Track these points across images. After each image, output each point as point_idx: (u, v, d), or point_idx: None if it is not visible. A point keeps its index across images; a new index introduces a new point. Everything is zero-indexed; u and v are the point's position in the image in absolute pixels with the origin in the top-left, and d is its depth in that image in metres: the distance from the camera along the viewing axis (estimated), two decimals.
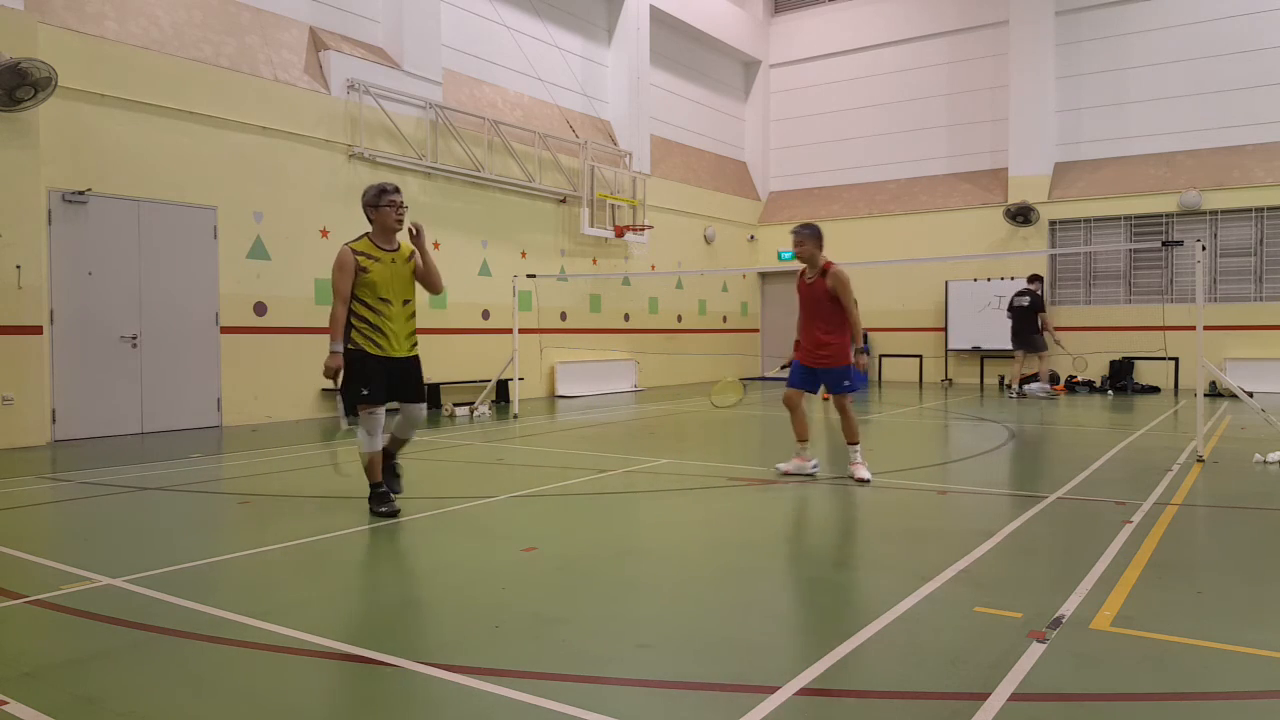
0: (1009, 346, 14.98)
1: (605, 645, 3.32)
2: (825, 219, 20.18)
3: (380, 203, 5.45)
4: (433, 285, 5.63)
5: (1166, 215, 16.49)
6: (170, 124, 10.12)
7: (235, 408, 10.76)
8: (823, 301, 6.77)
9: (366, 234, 5.54)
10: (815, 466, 7.01)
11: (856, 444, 6.84)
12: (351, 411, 5.52)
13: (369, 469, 5.53)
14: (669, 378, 18.00)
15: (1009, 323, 14.80)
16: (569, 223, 15.72)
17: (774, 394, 15.90)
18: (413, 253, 5.59)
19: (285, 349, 11.25)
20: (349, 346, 5.36)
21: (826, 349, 6.80)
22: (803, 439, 7.00)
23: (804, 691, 2.82)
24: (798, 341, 7.05)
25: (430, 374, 13.30)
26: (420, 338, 5.72)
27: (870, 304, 19.35)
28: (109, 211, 9.65)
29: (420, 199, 13.06)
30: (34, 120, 8.89)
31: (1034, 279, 14.76)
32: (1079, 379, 16.50)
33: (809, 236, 6.83)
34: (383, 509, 5.48)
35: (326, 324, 11.42)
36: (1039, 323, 14.45)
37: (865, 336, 18.78)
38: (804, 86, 21.15)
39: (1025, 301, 14.52)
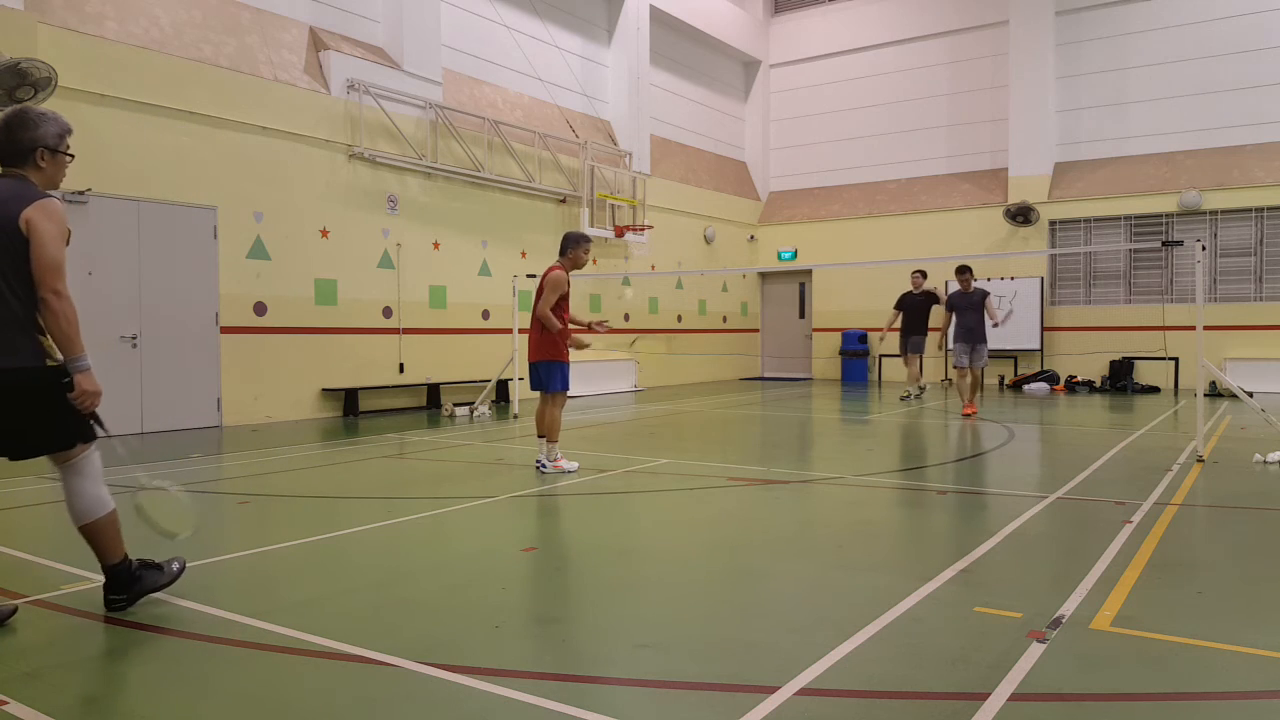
0: (1007, 346, 14.92)
1: (605, 645, 3.32)
2: (825, 219, 20.21)
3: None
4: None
5: (1166, 215, 16.49)
6: (170, 124, 10.12)
7: (235, 408, 10.75)
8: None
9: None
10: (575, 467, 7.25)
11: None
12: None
13: (116, 544, 3.68)
14: (669, 378, 18.00)
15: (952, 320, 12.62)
16: (569, 223, 15.70)
17: (774, 394, 15.90)
18: None
19: (285, 349, 11.25)
20: (51, 362, 3.76)
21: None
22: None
23: (804, 691, 2.82)
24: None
25: (430, 374, 13.41)
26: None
27: (871, 304, 19.39)
28: (109, 211, 9.65)
29: (420, 199, 13.06)
30: None
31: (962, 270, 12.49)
32: (1078, 380, 16.49)
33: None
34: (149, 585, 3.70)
35: (325, 324, 11.62)
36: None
37: (869, 338, 18.87)
38: (804, 86, 21.14)
39: (920, 298, 13.48)
